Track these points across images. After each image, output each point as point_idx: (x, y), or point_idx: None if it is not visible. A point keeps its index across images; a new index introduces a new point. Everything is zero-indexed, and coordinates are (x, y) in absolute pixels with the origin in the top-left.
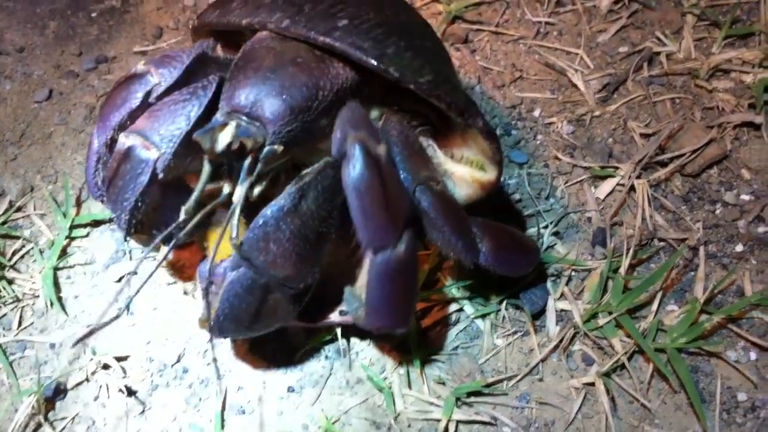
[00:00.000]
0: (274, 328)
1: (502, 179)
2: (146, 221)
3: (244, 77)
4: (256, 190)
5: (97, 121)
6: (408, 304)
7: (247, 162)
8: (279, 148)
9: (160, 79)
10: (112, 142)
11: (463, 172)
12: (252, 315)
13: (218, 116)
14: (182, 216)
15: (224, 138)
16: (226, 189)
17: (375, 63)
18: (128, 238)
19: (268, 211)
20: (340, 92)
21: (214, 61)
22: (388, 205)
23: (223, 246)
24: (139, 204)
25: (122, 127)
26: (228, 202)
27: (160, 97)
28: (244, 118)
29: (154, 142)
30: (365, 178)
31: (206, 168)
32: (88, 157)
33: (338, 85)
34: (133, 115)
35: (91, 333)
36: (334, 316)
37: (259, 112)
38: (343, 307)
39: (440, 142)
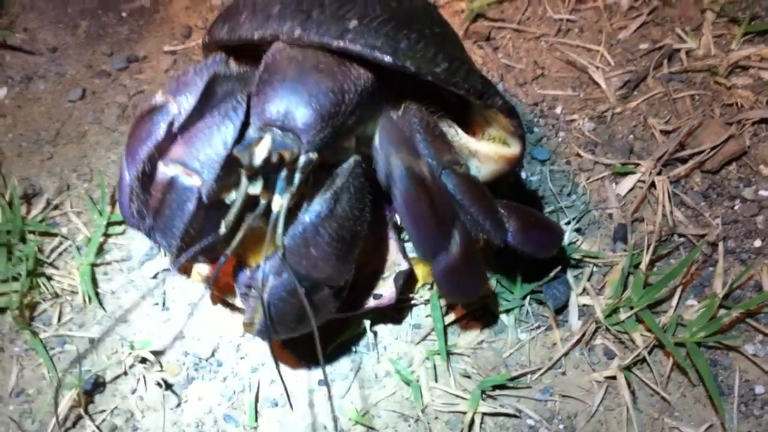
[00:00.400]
0: (318, 325)
1: (524, 176)
2: (191, 242)
3: (272, 90)
4: (288, 198)
5: (125, 156)
6: (477, 279)
7: (285, 173)
8: (314, 155)
9: (178, 108)
10: (143, 175)
11: (487, 149)
12: (296, 316)
13: (251, 132)
14: (222, 230)
15: (261, 152)
16: (263, 201)
17: (391, 60)
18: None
19: (306, 217)
20: (363, 92)
21: (227, 78)
22: (436, 215)
23: (258, 250)
24: (189, 230)
25: (151, 158)
26: (265, 213)
27: (183, 126)
28: (278, 130)
29: (195, 169)
30: (413, 198)
31: (244, 183)
32: (121, 190)
33: (361, 86)
34: (160, 146)
35: None
36: (370, 302)
37: (292, 124)
38: (376, 290)
39: (462, 123)
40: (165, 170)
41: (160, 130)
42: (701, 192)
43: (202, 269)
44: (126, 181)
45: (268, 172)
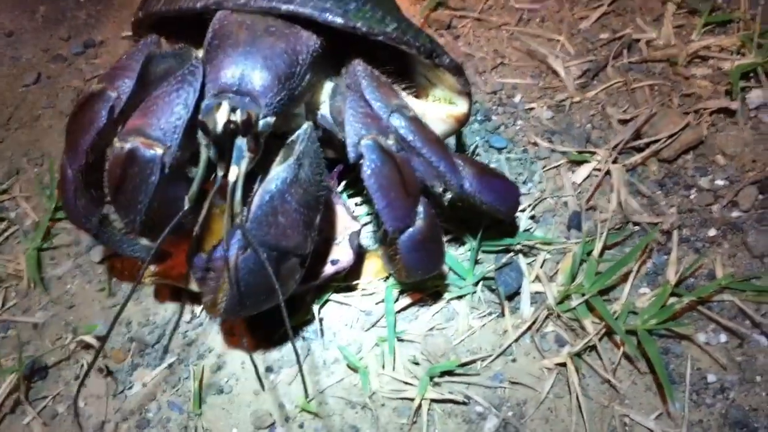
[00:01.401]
0: (286, 297)
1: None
2: (155, 219)
3: (224, 55)
4: (246, 166)
5: (66, 150)
6: (438, 254)
7: (241, 141)
8: (272, 119)
9: (117, 92)
10: (87, 168)
11: (435, 110)
12: (265, 289)
13: (207, 99)
14: (186, 205)
15: (221, 118)
16: (220, 171)
17: (342, 21)
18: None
19: (272, 185)
20: (314, 55)
21: (163, 57)
22: (404, 187)
23: (216, 232)
24: (153, 204)
25: (95, 148)
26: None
27: (123, 111)
28: (234, 95)
29: (156, 138)
30: (383, 172)
31: (204, 152)
32: (64, 188)
33: (312, 48)
34: (103, 134)
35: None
36: (329, 268)
37: (249, 87)
38: (333, 255)
39: (407, 89)
40: (122, 144)
41: (102, 118)
42: (657, 181)
43: (155, 268)
44: (69, 177)
45: (226, 139)
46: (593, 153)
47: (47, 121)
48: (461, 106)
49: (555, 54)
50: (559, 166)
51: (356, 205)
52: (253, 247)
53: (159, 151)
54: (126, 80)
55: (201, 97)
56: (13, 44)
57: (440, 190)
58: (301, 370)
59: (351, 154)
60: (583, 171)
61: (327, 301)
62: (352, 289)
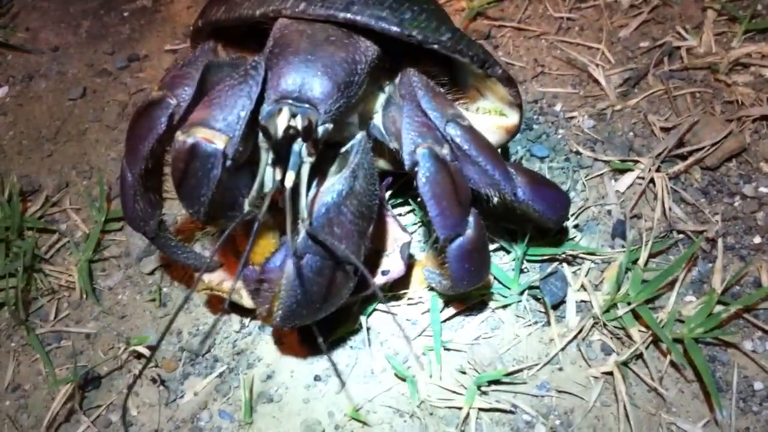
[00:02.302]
0: (339, 305)
1: None
2: (218, 206)
3: (286, 62)
4: (306, 171)
5: (126, 156)
6: (484, 266)
7: (303, 145)
8: (330, 126)
9: (177, 100)
10: (147, 173)
11: (484, 121)
12: (322, 297)
13: (267, 105)
14: (246, 208)
15: (281, 123)
16: (278, 176)
17: (398, 30)
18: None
19: (329, 197)
20: (371, 64)
21: (220, 66)
22: (457, 195)
23: (260, 246)
24: (216, 196)
25: (153, 154)
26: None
27: (183, 118)
28: (294, 102)
29: (219, 129)
30: (437, 180)
31: (264, 156)
32: (123, 192)
33: (369, 57)
34: (162, 141)
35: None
36: (379, 278)
37: (309, 94)
38: (384, 266)
39: (455, 100)
40: (184, 138)
41: (161, 125)
42: (701, 189)
43: (207, 278)
44: (128, 181)
45: (284, 144)
46: (636, 161)
47: (94, 135)
48: (512, 118)
49: (595, 62)
50: (602, 174)
51: (400, 215)
52: (298, 258)
53: (220, 144)
54: (186, 88)
55: (262, 94)
56: (59, 59)
57: (495, 198)
58: (339, 377)
59: (407, 162)
60: (627, 179)
61: (374, 310)
62: (399, 298)
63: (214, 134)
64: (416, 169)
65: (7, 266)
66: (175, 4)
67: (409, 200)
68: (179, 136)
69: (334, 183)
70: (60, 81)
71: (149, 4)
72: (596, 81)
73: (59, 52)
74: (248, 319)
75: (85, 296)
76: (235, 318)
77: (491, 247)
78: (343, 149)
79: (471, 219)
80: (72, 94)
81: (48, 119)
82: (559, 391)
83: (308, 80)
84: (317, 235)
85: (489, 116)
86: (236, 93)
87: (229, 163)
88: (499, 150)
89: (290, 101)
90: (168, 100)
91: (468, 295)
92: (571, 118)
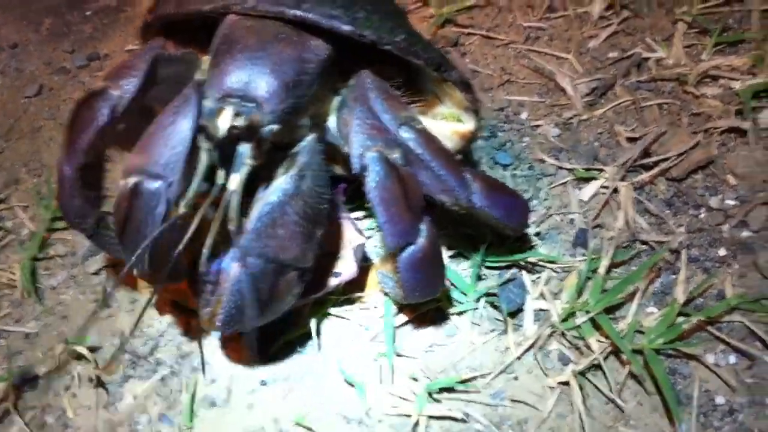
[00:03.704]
0: (284, 311)
1: None
2: (162, 256)
3: (231, 59)
4: (246, 174)
5: (64, 149)
6: (438, 277)
7: (243, 149)
8: (276, 127)
9: (121, 92)
10: (86, 167)
11: (441, 127)
12: (264, 302)
13: (209, 103)
14: (182, 210)
15: (223, 123)
16: (220, 180)
17: (350, 29)
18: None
19: (273, 197)
20: (323, 64)
21: (169, 60)
22: (408, 202)
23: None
24: (160, 237)
25: (94, 147)
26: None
27: (126, 111)
28: (238, 101)
29: (157, 174)
30: (386, 186)
31: (203, 158)
32: (61, 187)
33: (321, 57)
34: (103, 133)
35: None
36: (331, 281)
37: (255, 93)
38: (337, 268)
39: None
40: (126, 181)
41: (102, 116)
42: (666, 200)
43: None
44: (66, 176)
45: (227, 145)
46: (601, 170)
47: (48, 133)
48: (468, 124)
49: (563, 72)
50: (565, 183)
51: (358, 219)
52: (240, 261)
53: (162, 184)
54: (131, 79)
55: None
56: (17, 56)
57: (449, 204)
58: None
59: (355, 166)
60: (590, 188)
61: (325, 314)
62: (352, 302)
63: (154, 178)
64: (365, 173)
65: None
66: (139, 5)
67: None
68: (120, 180)
69: (280, 183)
70: (17, 78)
71: (113, 4)
72: (563, 90)
73: (18, 49)
74: (194, 322)
75: (26, 295)
76: (181, 320)
77: (448, 252)
78: (291, 151)
79: (423, 227)
80: (28, 91)
81: (1, 116)
82: (514, 401)
83: (254, 78)
84: (254, 240)
85: (446, 122)
86: (169, 134)
87: (171, 205)
88: (459, 157)
89: (234, 100)
90: (111, 92)
91: (422, 302)
92: (537, 126)
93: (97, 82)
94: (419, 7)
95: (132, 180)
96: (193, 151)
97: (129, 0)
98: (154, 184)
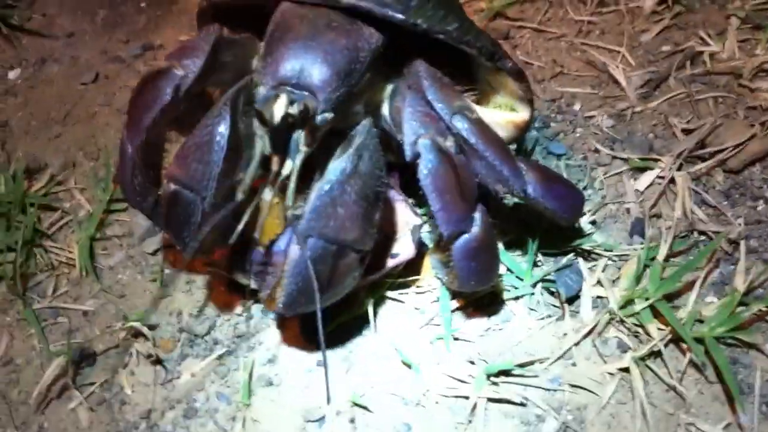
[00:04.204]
0: (344, 294)
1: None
2: (207, 243)
3: (285, 47)
4: (301, 160)
5: (126, 127)
6: (492, 267)
7: (297, 135)
8: (329, 115)
9: (186, 71)
10: (148, 146)
11: (494, 116)
12: (325, 285)
13: (263, 91)
14: (239, 197)
15: (278, 110)
16: (275, 166)
17: (402, 17)
18: None
19: (332, 176)
20: (375, 52)
21: (230, 43)
22: (461, 190)
23: (268, 227)
24: (199, 239)
25: (156, 125)
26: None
27: (190, 90)
28: (292, 88)
29: (193, 188)
30: (439, 173)
31: (258, 144)
32: (122, 165)
33: (373, 45)
34: (166, 112)
35: None
36: (389, 262)
37: (308, 81)
38: (394, 249)
39: (465, 92)
40: (168, 185)
41: (166, 95)
42: (723, 191)
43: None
44: (128, 154)
45: (282, 132)
46: (656, 160)
47: (104, 119)
48: (522, 113)
49: (615, 64)
50: (620, 173)
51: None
52: (300, 242)
53: (197, 196)
54: (195, 59)
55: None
56: (73, 45)
57: (503, 194)
58: (326, 368)
59: (407, 153)
60: (646, 178)
61: (382, 297)
62: (407, 285)
63: (190, 191)
64: (418, 161)
65: (7, 239)
66: None
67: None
68: (164, 181)
69: (338, 163)
70: (72, 66)
71: None
72: (616, 82)
73: (74, 38)
74: (251, 302)
75: (84, 273)
76: (237, 301)
77: (504, 238)
78: (350, 134)
79: (477, 215)
80: (84, 78)
81: (58, 102)
82: (572, 386)
83: (308, 66)
84: (314, 220)
85: (499, 111)
86: (204, 152)
87: (207, 210)
88: (512, 146)
89: (288, 87)
90: (174, 71)
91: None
92: (590, 117)
93: (161, 62)
94: (470, 0)
95: (172, 186)
96: (231, 155)
97: None
98: (190, 195)
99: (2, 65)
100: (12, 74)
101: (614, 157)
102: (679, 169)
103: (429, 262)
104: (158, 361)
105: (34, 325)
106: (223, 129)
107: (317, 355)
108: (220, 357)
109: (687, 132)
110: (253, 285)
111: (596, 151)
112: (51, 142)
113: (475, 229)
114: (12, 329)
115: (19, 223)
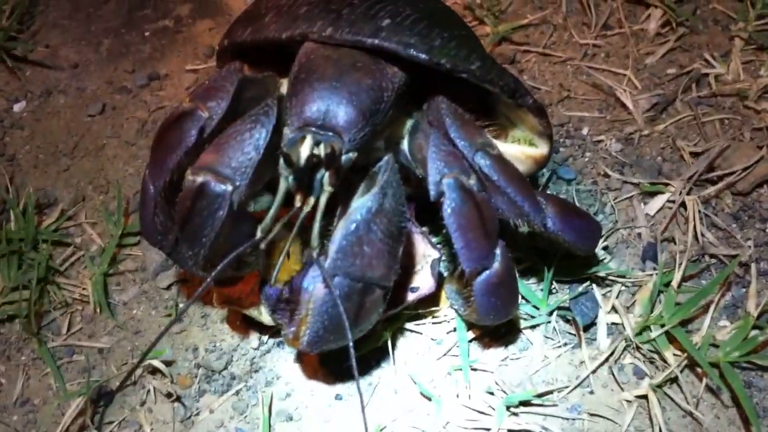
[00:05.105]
0: (368, 330)
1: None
2: (219, 255)
3: (310, 89)
4: (325, 199)
5: (150, 166)
6: (512, 302)
7: (321, 175)
8: (354, 154)
9: (210, 113)
10: (170, 186)
11: (514, 150)
12: (351, 322)
13: (289, 132)
14: (258, 234)
15: (304, 152)
16: (298, 203)
17: (426, 57)
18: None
19: (358, 215)
20: (399, 91)
21: (253, 82)
22: (484, 227)
23: (285, 264)
24: (218, 239)
25: (179, 167)
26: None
27: (213, 132)
28: (317, 129)
29: (227, 176)
30: (463, 212)
31: (283, 183)
32: (143, 204)
33: (396, 84)
34: (190, 154)
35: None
36: (409, 296)
37: (333, 122)
38: (413, 283)
39: (485, 128)
40: (194, 177)
41: (191, 137)
42: (732, 214)
43: (224, 291)
44: (150, 193)
45: (306, 172)
46: (667, 184)
47: (112, 151)
48: (542, 148)
49: (622, 88)
50: (631, 197)
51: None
52: (328, 283)
53: (229, 187)
54: (220, 101)
55: (277, 132)
56: (78, 76)
57: (523, 228)
58: (362, 405)
59: (432, 192)
60: (657, 203)
61: (400, 328)
62: (423, 317)
63: (223, 180)
64: (442, 199)
65: (20, 278)
66: (196, 25)
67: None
68: (189, 176)
69: (364, 201)
70: (78, 97)
71: (171, 25)
72: (623, 105)
73: (79, 68)
74: (266, 336)
75: (99, 310)
76: (253, 335)
77: (519, 267)
78: (371, 171)
79: (498, 251)
80: (91, 110)
81: (65, 134)
82: (591, 415)
83: (333, 107)
84: (341, 260)
85: (518, 145)
86: (245, 140)
87: (234, 208)
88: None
89: (314, 129)
90: (199, 113)
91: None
92: (599, 141)
93: (185, 103)
94: (475, 25)
95: (200, 179)
96: (264, 160)
97: (185, 21)
98: (221, 186)
99: (7, 98)
100: (17, 107)
101: (624, 182)
102: (688, 193)
103: (444, 293)
104: (176, 398)
105: (49, 364)
106: (268, 121)
107: (336, 389)
108: (238, 392)
109: (695, 155)
110: (268, 320)
111: (606, 175)
112: (60, 176)
113: (496, 264)
114: (27, 368)
115: (31, 260)
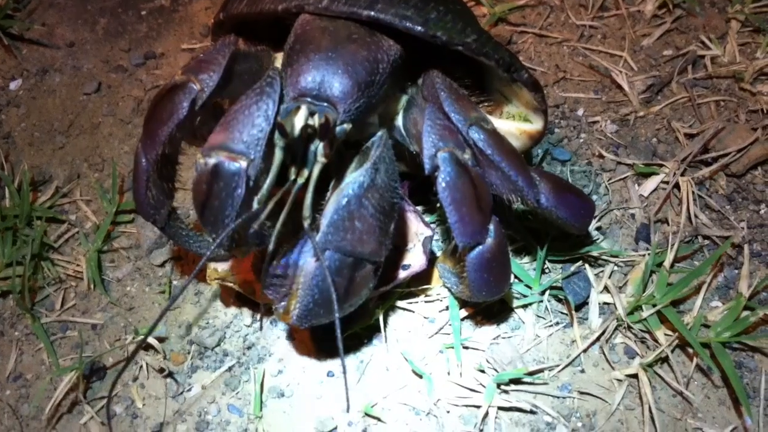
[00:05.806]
0: (358, 305)
1: None
2: (243, 231)
3: (306, 60)
4: (318, 171)
5: (143, 140)
6: (504, 278)
7: (320, 144)
8: (348, 126)
9: (202, 85)
10: (163, 159)
11: (508, 126)
12: (341, 297)
13: (286, 103)
14: (255, 206)
15: (298, 122)
16: (292, 176)
17: (422, 30)
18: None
19: (350, 189)
20: (394, 64)
21: (246, 55)
22: (478, 202)
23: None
24: (240, 218)
25: (172, 139)
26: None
27: (205, 104)
28: (312, 100)
29: (240, 151)
30: (458, 186)
31: (278, 155)
32: (136, 178)
33: (392, 57)
34: (182, 127)
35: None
36: (401, 273)
37: (328, 93)
38: (405, 260)
39: (480, 103)
40: (206, 160)
41: (183, 110)
42: (726, 195)
43: (218, 268)
44: (142, 167)
45: (301, 143)
46: (661, 165)
47: (107, 129)
48: (536, 123)
49: (618, 69)
50: (625, 178)
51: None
52: (319, 256)
53: (243, 163)
54: (212, 74)
55: (282, 103)
56: (74, 54)
57: (516, 204)
58: (345, 381)
59: (426, 166)
60: (651, 184)
61: (390, 306)
62: (416, 294)
63: (236, 156)
64: (436, 173)
65: (15, 254)
66: (193, 4)
67: (429, 199)
68: (200, 159)
69: (356, 176)
70: (75, 76)
71: (167, 4)
72: (619, 87)
73: (75, 47)
74: (258, 314)
75: (92, 287)
76: (246, 312)
77: (511, 246)
78: (364, 146)
79: (492, 227)
80: (86, 88)
81: (61, 112)
82: (582, 393)
83: (328, 78)
84: (332, 234)
85: (513, 121)
86: (254, 112)
87: (251, 184)
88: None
89: (309, 99)
90: (191, 85)
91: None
92: (594, 122)
93: (177, 75)
94: (473, 5)
95: (212, 160)
96: (271, 140)
97: (182, 0)
98: (235, 165)
99: (3, 76)
100: (13, 85)
101: (618, 163)
102: (683, 174)
103: (437, 271)
104: (169, 374)
105: (43, 340)
106: (273, 91)
107: (328, 366)
108: (230, 369)
109: (690, 136)
110: (262, 297)
111: (600, 156)
112: (55, 154)
113: (490, 240)
114: (21, 344)
115: (26, 236)
